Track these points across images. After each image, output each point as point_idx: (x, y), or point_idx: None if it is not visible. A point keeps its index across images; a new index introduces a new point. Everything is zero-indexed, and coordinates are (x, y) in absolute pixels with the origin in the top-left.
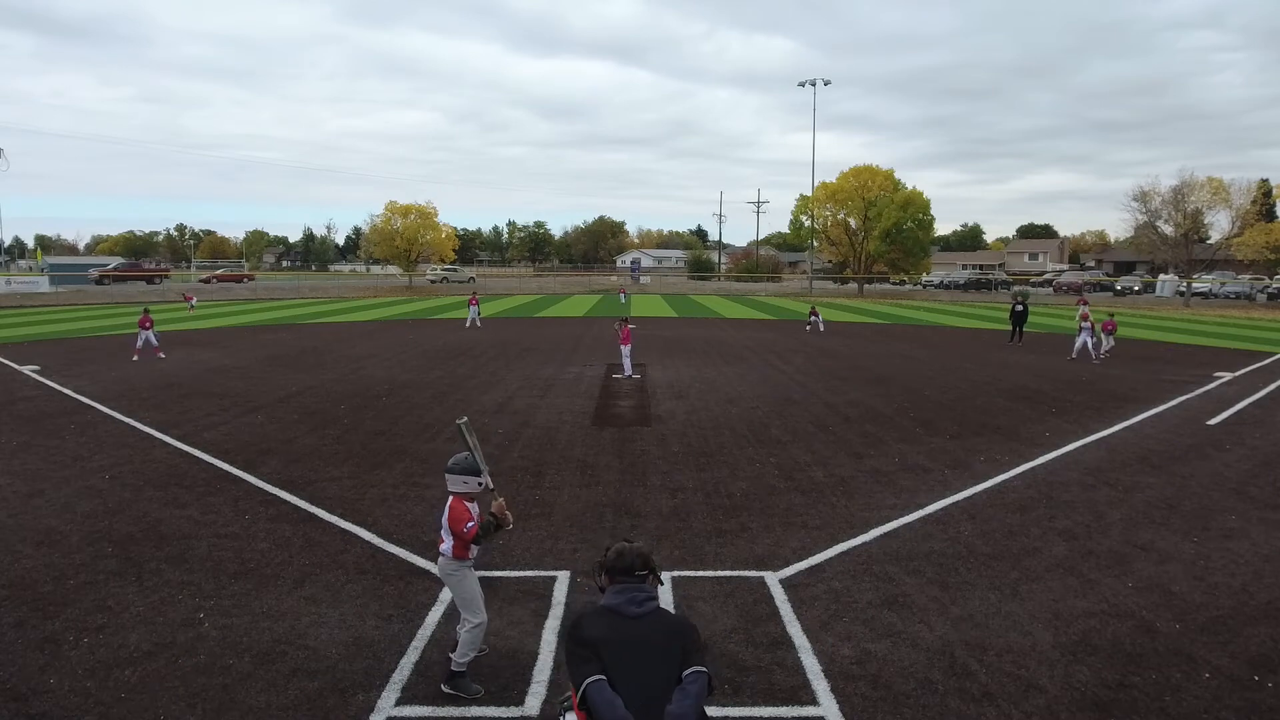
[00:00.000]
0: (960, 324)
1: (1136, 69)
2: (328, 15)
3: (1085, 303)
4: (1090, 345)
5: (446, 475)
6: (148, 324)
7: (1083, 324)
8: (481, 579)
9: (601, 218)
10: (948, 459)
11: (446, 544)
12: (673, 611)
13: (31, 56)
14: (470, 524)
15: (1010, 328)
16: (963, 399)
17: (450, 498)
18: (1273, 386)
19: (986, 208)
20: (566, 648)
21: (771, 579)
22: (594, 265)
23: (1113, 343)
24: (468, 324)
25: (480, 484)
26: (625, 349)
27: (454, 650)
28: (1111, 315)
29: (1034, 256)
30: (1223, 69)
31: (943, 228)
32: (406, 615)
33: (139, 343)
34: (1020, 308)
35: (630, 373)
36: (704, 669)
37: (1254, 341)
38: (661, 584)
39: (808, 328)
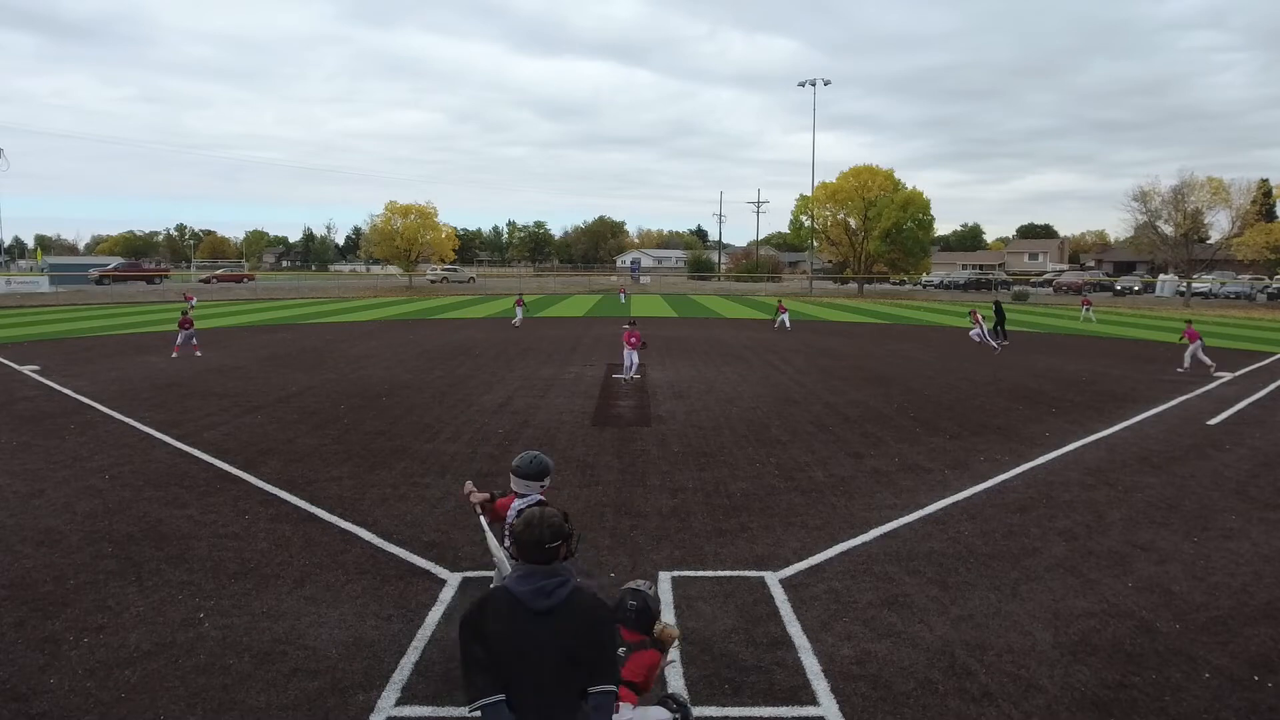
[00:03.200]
0: (961, 324)
1: (1138, 69)
2: (330, 15)
3: (1089, 304)
4: (987, 334)
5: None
6: (188, 324)
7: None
8: (481, 579)
9: (601, 218)
10: (948, 459)
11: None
12: (590, 601)
13: (33, 57)
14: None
15: (996, 326)
16: (963, 399)
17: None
18: (1273, 386)
19: (987, 208)
20: (461, 635)
21: (771, 579)
22: (594, 265)
23: (1198, 351)
24: (515, 322)
25: (543, 487)
26: (634, 354)
27: None
28: (1189, 323)
29: (1034, 256)
30: (1224, 69)
31: (943, 228)
32: (406, 615)
33: (179, 339)
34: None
35: (631, 374)
36: (610, 687)
37: (1254, 341)
38: (574, 555)
39: (775, 325)
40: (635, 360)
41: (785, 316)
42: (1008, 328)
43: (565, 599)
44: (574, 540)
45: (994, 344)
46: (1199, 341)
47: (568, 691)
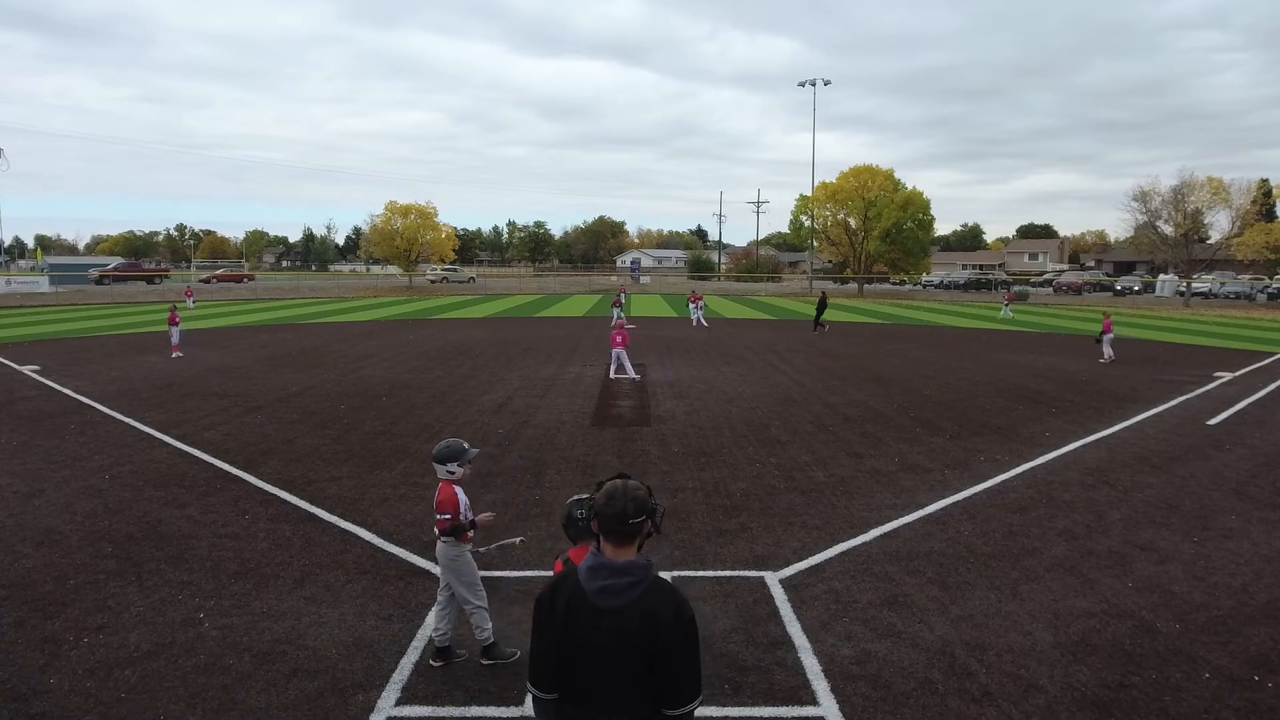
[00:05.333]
0: (960, 324)
1: (1139, 69)
2: (331, 15)
3: (1011, 299)
4: (702, 319)
5: (434, 464)
6: (177, 321)
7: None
8: (482, 579)
9: (601, 218)
10: (948, 459)
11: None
12: (667, 602)
13: (34, 57)
14: (448, 515)
15: (815, 318)
16: (963, 399)
17: (440, 483)
18: (1273, 386)
19: (987, 208)
20: (534, 613)
21: (771, 579)
22: (594, 265)
23: (1111, 352)
24: (694, 324)
25: (459, 468)
26: (618, 352)
27: (475, 633)
28: (1107, 314)
29: (1034, 256)
30: (1225, 69)
31: (943, 228)
32: (406, 615)
33: (175, 338)
34: (822, 303)
35: (618, 375)
36: (688, 708)
37: (1254, 341)
38: (659, 532)
39: (694, 323)
40: (623, 359)
41: (700, 312)
42: (824, 319)
43: (636, 600)
44: (659, 516)
45: (705, 324)
46: (1110, 334)
47: (637, 698)
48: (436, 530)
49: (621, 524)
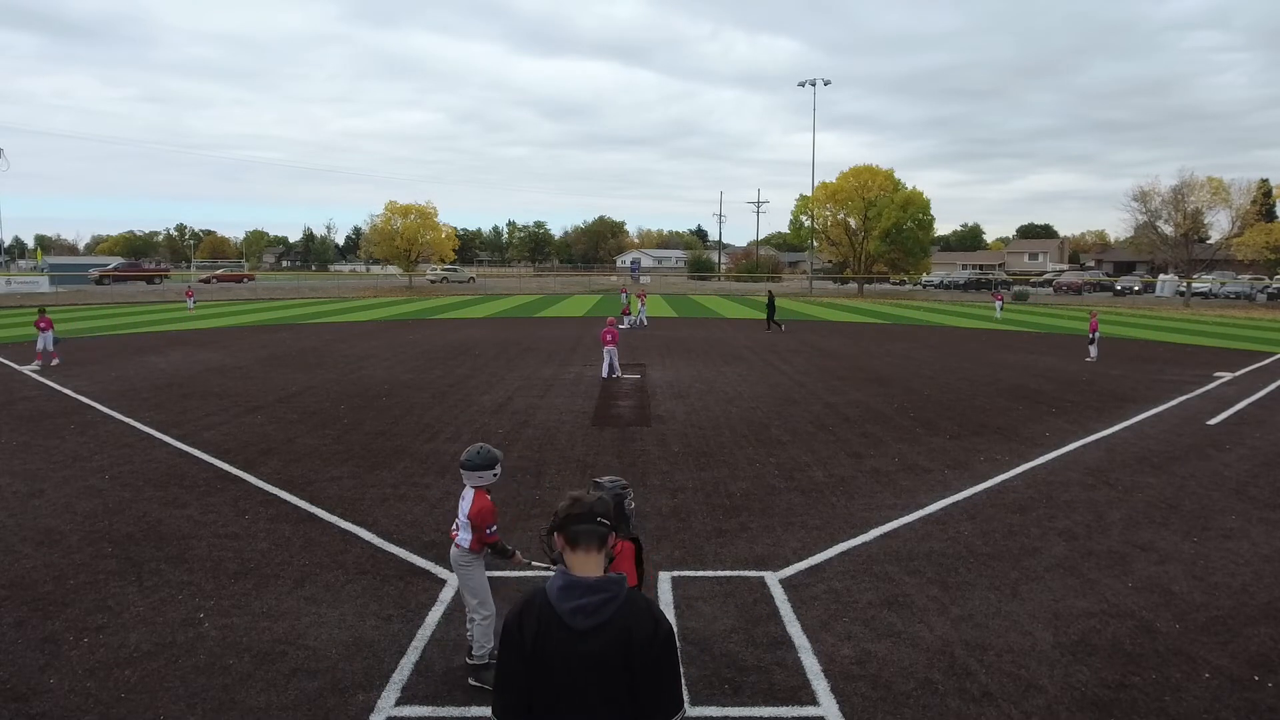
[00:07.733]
0: (960, 324)
1: (1139, 69)
2: (332, 15)
3: (1000, 299)
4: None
5: (463, 470)
6: (47, 325)
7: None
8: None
9: (601, 218)
10: (948, 459)
11: (462, 535)
12: (644, 619)
13: (35, 57)
14: (494, 528)
15: (767, 317)
16: (963, 399)
17: (473, 491)
18: (1273, 386)
19: (987, 208)
20: (500, 638)
21: (771, 579)
22: (594, 265)
23: (1094, 352)
24: (626, 325)
25: (495, 475)
26: (610, 349)
27: (471, 646)
28: (1093, 312)
29: (1034, 256)
30: (1226, 69)
31: (943, 228)
32: (406, 615)
33: (39, 345)
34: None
35: (609, 374)
36: None
37: (1254, 341)
38: (619, 537)
39: (635, 323)
40: (613, 359)
41: (629, 319)
42: (778, 318)
43: (611, 617)
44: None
45: (638, 323)
46: (1095, 333)
47: (615, 718)
48: (479, 543)
49: (588, 521)
